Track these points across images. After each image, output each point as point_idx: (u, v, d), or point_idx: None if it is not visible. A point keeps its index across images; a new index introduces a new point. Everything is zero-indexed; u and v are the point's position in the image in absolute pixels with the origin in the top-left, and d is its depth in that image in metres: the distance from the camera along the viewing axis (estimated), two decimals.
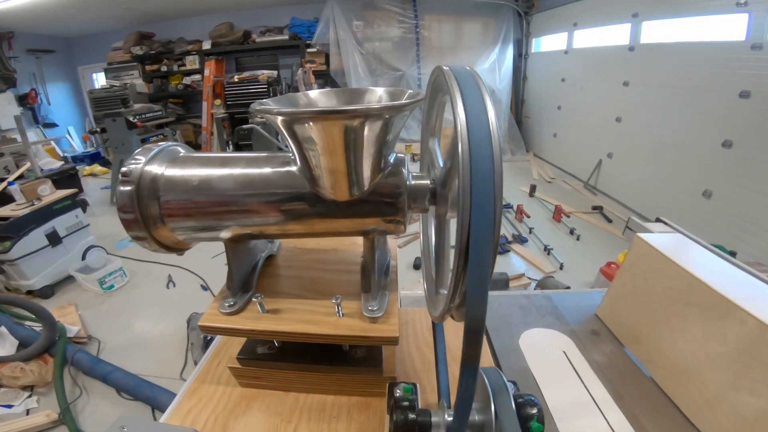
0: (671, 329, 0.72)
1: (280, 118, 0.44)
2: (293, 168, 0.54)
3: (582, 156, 4.66)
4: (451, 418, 0.49)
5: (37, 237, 2.65)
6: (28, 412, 1.86)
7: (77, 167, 5.15)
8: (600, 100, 4.27)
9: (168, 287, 2.95)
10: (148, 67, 6.59)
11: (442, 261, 0.49)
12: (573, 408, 0.72)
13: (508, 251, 3.32)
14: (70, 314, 2.50)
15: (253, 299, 0.56)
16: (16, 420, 1.73)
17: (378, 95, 0.59)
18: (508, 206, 4.07)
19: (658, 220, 1.26)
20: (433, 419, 0.48)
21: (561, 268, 3.04)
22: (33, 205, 2.71)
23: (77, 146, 6.66)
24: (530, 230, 3.61)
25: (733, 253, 2.51)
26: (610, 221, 3.78)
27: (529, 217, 3.83)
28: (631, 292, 0.85)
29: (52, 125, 6.39)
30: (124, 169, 0.54)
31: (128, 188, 0.53)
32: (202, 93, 6.03)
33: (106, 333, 2.42)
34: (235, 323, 0.55)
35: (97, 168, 5.74)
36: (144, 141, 4.34)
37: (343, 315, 0.54)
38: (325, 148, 0.46)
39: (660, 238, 0.80)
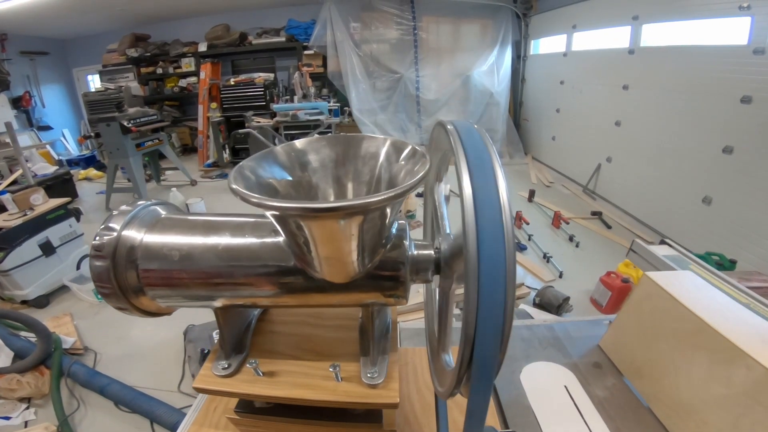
0: (676, 368, 0.72)
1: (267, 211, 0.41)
2: (282, 239, 0.50)
3: (581, 160, 4.66)
4: None
5: (30, 247, 2.62)
6: (26, 424, 1.85)
7: (72, 171, 5.12)
8: (599, 104, 4.26)
9: None
10: (143, 70, 6.57)
11: (445, 325, 0.48)
12: None
13: None
14: (65, 325, 2.49)
15: (248, 365, 0.54)
16: None
17: (377, 146, 0.56)
18: None
19: (662, 242, 1.26)
20: None
21: (560, 276, 3.04)
22: (25, 215, 2.69)
23: (72, 149, 6.63)
24: (529, 237, 3.61)
25: (733, 262, 2.51)
26: (609, 227, 3.79)
27: (528, 224, 3.83)
28: (636, 328, 0.85)
29: (47, 128, 6.37)
30: (95, 242, 0.50)
31: (102, 263, 0.49)
32: (197, 96, 6.00)
33: (102, 344, 2.41)
34: (230, 386, 0.54)
35: (92, 172, 5.71)
36: (139, 146, 4.31)
37: (341, 379, 0.53)
38: (318, 241, 0.43)
39: (669, 278, 0.79)
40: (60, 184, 4.35)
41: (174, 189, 4.18)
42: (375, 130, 6.07)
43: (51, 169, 4.67)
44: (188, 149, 7.00)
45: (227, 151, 5.98)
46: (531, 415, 0.79)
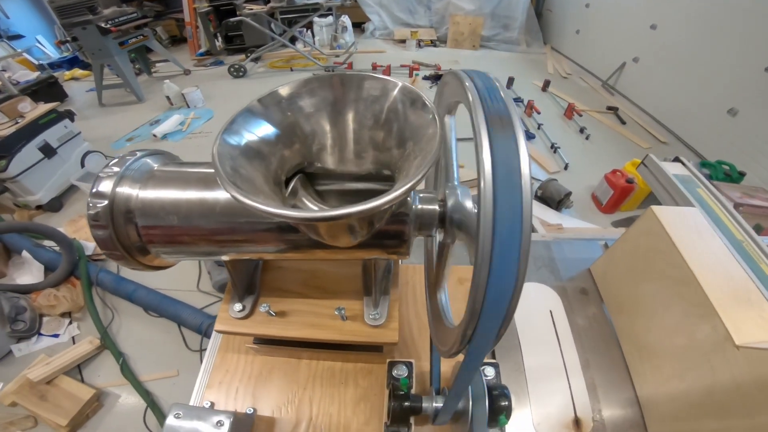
0: (653, 312, 0.75)
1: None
2: None
3: (605, 55, 4.36)
4: (437, 405, 0.58)
5: (30, 152, 2.66)
6: (73, 339, 2.00)
7: (56, 73, 4.89)
8: (637, 4, 3.84)
9: None
10: None
11: (441, 271, 0.50)
12: (545, 371, 0.81)
13: None
14: (83, 228, 2.58)
15: (261, 309, 0.59)
16: (67, 351, 1.85)
17: (381, 87, 0.48)
18: (518, 100, 4.00)
19: (676, 159, 1.24)
20: (424, 405, 0.58)
21: (566, 168, 3.07)
22: (17, 122, 2.67)
23: (52, 53, 6.15)
24: (539, 126, 3.57)
25: (741, 174, 2.52)
26: (623, 123, 3.70)
27: (539, 113, 3.75)
28: (628, 262, 0.86)
29: (18, 37, 5.84)
30: (91, 212, 0.49)
31: (103, 232, 0.49)
32: None
33: None
34: (247, 327, 0.60)
35: (77, 72, 5.42)
36: (123, 44, 4.04)
37: (346, 319, 0.60)
38: (320, 229, 0.43)
39: (673, 216, 0.76)
40: (46, 88, 4.21)
41: (167, 81, 4.07)
42: (380, 12, 5.68)
43: (33, 75, 4.51)
44: (177, 40, 6.51)
45: (219, 39, 5.61)
46: (515, 338, 0.86)
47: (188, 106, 4.11)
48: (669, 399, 0.67)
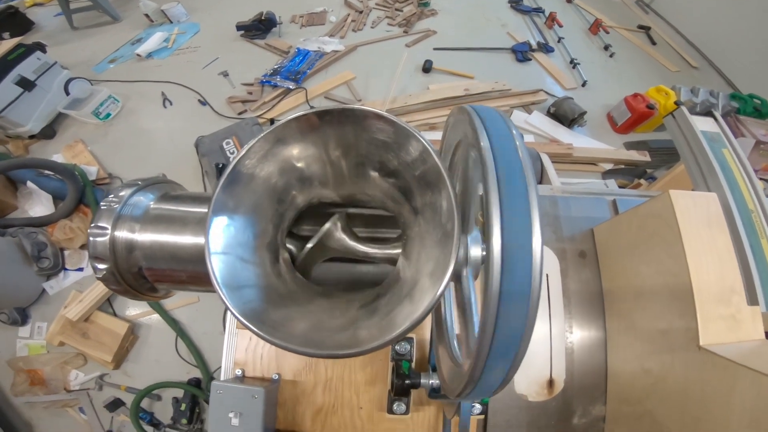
0: (641, 293, 0.79)
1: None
2: None
3: None
4: (433, 381, 0.71)
5: (6, 88, 2.64)
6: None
7: (15, 2, 4.45)
8: None
9: (165, 106, 3.01)
10: None
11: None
12: (532, 334, 0.91)
13: (530, 60, 3.24)
14: (81, 153, 2.64)
15: None
16: (95, 285, 1.96)
17: (393, 133, 0.41)
18: (539, 10, 3.77)
19: (708, 113, 1.20)
20: (422, 381, 0.72)
21: (583, 85, 3.03)
22: None
23: None
24: (559, 39, 3.44)
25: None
26: (654, 44, 3.51)
27: (561, 26, 3.56)
28: (631, 239, 0.86)
29: None
30: (99, 276, 0.52)
31: (118, 287, 0.53)
32: None
33: (123, 168, 2.57)
34: None
35: None
36: None
37: None
38: None
39: (689, 202, 0.72)
40: (7, 19, 3.86)
41: None
42: None
43: None
44: None
45: None
46: None
47: (171, 22, 3.88)
48: (630, 375, 0.79)
